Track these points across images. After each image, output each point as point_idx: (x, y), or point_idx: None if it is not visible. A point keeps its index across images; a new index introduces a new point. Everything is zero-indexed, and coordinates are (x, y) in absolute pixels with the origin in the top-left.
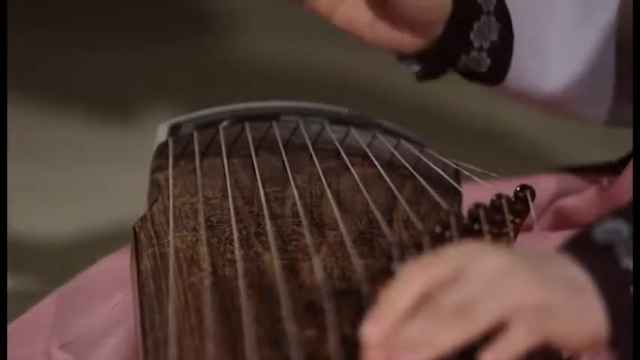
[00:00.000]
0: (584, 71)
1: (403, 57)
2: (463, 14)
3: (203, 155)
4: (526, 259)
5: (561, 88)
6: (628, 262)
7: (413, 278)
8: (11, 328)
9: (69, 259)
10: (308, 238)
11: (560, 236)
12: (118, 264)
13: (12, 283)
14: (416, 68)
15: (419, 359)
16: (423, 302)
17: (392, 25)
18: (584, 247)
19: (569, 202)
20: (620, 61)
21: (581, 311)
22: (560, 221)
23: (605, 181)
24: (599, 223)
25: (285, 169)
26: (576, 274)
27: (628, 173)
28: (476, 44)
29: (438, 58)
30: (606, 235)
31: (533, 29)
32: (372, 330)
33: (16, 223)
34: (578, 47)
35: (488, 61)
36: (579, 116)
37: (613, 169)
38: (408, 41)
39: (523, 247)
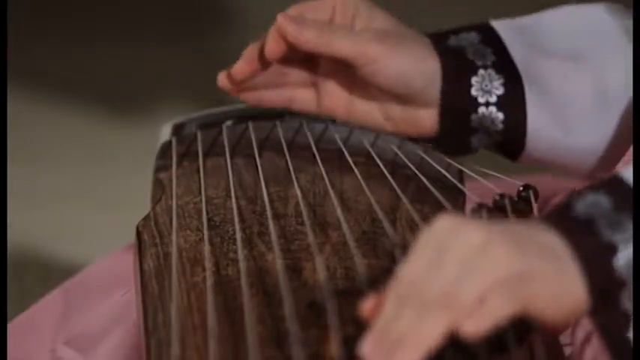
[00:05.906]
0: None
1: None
2: (455, 72)
3: (206, 155)
4: (503, 232)
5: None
6: (609, 235)
7: (394, 294)
8: (15, 324)
9: (69, 258)
10: (311, 237)
11: None
12: (117, 262)
13: (12, 282)
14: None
15: (412, 354)
16: (409, 294)
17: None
18: (564, 220)
19: None
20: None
21: (560, 281)
22: None
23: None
24: (580, 196)
25: (289, 168)
26: (556, 245)
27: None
28: (480, 100)
29: (451, 127)
30: (587, 208)
31: (556, 97)
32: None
33: (16, 223)
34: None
35: (500, 115)
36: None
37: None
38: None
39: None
